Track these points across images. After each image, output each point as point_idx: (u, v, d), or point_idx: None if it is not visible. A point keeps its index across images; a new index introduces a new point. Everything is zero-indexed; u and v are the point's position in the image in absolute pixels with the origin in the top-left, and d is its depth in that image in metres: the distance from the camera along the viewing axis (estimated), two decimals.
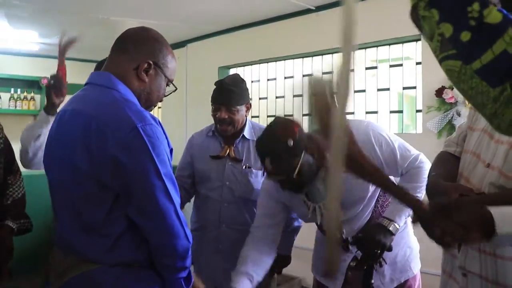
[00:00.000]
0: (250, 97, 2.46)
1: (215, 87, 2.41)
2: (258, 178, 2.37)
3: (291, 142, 1.73)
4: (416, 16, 0.82)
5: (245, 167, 2.38)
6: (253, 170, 2.38)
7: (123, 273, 1.41)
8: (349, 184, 1.78)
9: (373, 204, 1.95)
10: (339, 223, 0.96)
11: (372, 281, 1.87)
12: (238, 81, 2.39)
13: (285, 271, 2.62)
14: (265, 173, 1.87)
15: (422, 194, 1.89)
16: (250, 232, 2.07)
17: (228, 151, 2.40)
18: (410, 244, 2.05)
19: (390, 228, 1.82)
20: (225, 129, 2.35)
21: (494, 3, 0.75)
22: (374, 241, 1.78)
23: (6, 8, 4.21)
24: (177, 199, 1.42)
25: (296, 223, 2.44)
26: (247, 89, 2.43)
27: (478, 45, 0.74)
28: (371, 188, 1.90)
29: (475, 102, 0.79)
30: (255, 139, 2.29)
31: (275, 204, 2.05)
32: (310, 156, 1.79)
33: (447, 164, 1.52)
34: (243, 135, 2.41)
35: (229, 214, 2.40)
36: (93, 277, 1.40)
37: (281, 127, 1.80)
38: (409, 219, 2.07)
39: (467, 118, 1.59)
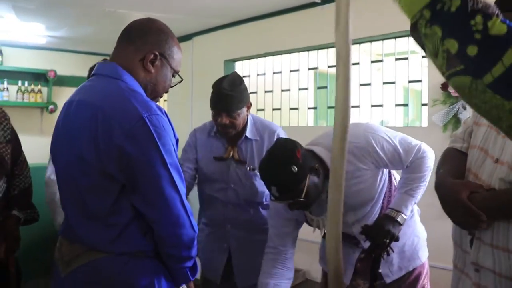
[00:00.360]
0: (249, 96, 2.38)
1: (212, 91, 2.29)
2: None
3: (295, 169, 1.71)
4: (417, 34, 0.79)
5: (250, 169, 2.34)
6: (257, 173, 2.29)
7: (129, 262, 1.43)
8: (357, 187, 1.84)
9: (381, 201, 1.97)
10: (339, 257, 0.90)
11: (380, 270, 1.91)
12: (237, 83, 2.28)
13: None
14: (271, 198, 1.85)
15: (426, 183, 1.93)
16: (265, 253, 2.06)
17: (231, 152, 2.36)
18: (418, 233, 2.07)
19: (398, 219, 1.85)
20: (227, 132, 2.30)
21: (497, 14, 0.73)
22: (383, 231, 1.81)
23: (14, 1, 4.23)
24: (182, 189, 1.44)
25: None
26: (246, 89, 2.34)
27: (487, 58, 0.71)
28: (379, 188, 1.92)
29: (490, 116, 0.76)
30: (258, 138, 2.35)
31: (287, 222, 2.04)
32: (315, 176, 1.79)
33: (454, 161, 1.51)
34: (245, 135, 2.37)
35: (235, 215, 2.38)
36: (99, 266, 1.42)
37: (283, 154, 1.77)
38: (416, 207, 2.09)
39: (471, 113, 1.58)
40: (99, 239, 1.43)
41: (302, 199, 1.75)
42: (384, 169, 1.93)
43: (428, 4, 0.75)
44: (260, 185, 2.34)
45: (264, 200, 2.40)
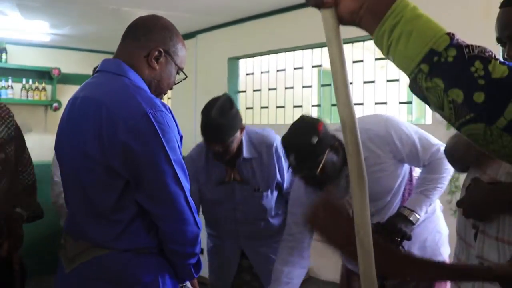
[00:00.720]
0: (241, 119, 2.18)
1: (201, 120, 2.11)
2: (269, 200, 2.30)
3: (315, 140, 1.76)
4: (417, 89, 0.76)
5: (255, 190, 2.26)
6: (263, 193, 2.27)
7: (133, 259, 1.43)
8: (376, 176, 1.84)
9: (401, 193, 1.96)
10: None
11: None
12: (226, 110, 2.09)
13: None
14: (290, 169, 1.87)
15: (443, 186, 1.92)
16: (282, 240, 2.08)
17: (232, 174, 2.26)
18: (440, 229, 2.05)
19: (411, 218, 1.85)
20: (221, 159, 2.20)
21: (494, 56, 0.72)
22: (395, 229, 1.81)
23: None
24: (187, 186, 1.44)
25: None
26: (238, 112, 2.16)
27: (496, 102, 0.69)
28: (399, 178, 1.92)
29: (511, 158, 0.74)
30: (255, 155, 2.23)
31: (304, 209, 2.04)
32: (334, 155, 1.82)
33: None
34: (243, 157, 2.23)
35: (247, 230, 2.35)
36: (103, 262, 1.43)
37: (306, 125, 1.83)
38: (438, 203, 2.09)
39: None
40: (103, 236, 1.43)
41: (318, 174, 1.78)
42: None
43: (423, 58, 0.73)
44: (268, 202, 2.29)
45: (272, 214, 2.35)
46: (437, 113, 0.77)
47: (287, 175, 2.30)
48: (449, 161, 1.56)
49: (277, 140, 2.28)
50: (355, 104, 3.83)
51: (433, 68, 0.72)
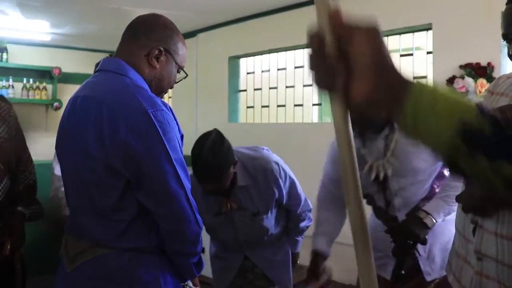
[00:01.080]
0: (234, 154, 2.11)
1: (192, 160, 2.03)
2: (269, 218, 2.27)
3: None
4: (458, 170, 0.68)
5: (254, 215, 2.22)
6: (263, 216, 2.24)
7: (134, 258, 1.43)
8: (407, 150, 1.89)
9: (429, 183, 1.96)
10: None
11: (403, 271, 1.86)
12: (217, 149, 2.02)
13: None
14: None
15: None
16: (321, 199, 2.16)
17: (229, 204, 2.21)
18: None
19: (426, 221, 1.83)
20: (216, 196, 2.17)
21: None
22: (408, 231, 1.80)
23: None
24: (187, 185, 1.44)
25: (303, 224, 2.42)
26: (230, 148, 2.09)
27: None
28: (428, 163, 1.93)
29: None
30: (251, 182, 2.17)
31: (337, 167, 2.06)
32: None
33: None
34: (238, 185, 2.17)
35: (251, 246, 2.35)
36: (105, 261, 1.43)
37: None
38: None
39: (485, 101, 1.57)
40: (104, 235, 1.43)
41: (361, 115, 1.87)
42: None
43: (457, 134, 0.64)
44: (268, 223, 2.28)
45: (273, 229, 2.34)
46: (487, 186, 0.69)
47: (285, 190, 2.26)
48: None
49: (272, 162, 2.22)
50: None
51: (471, 146, 0.64)
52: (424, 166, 1.93)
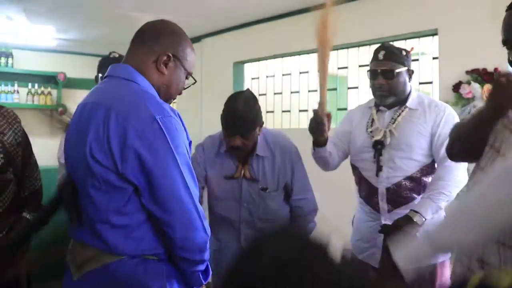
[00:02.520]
0: (262, 115, 2.26)
1: (225, 111, 2.17)
2: (276, 199, 2.30)
3: (404, 52, 2.23)
4: None
5: (262, 189, 2.26)
6: (271, 193, 2.27)
7: (141, 265, 1.42)
8: (406, 127, 2.18)
9: (417, 167, 2.17)
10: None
11: None
12: (251, 104, 2.17)
13: None
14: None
15: (450, 194, 2.08)
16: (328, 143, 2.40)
17: (243, 171, 2.26)
18: None
19: (415, 219, 2.01)
20: (238, 154, 2.23)
21: None
22: (399, 231, 1.96)
23: (25, 3, 4.25)
24: (195, 192, 1.43)
25: (309, 226, 2.41)
26: (260, 108, 2.23)
27: None
28: (423, 146, 2.17)
29: None
30: (268, 154, 2.26)
31: (345, 130, 2.43)
32: (407, 77, 2.25)
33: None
34: (256, 153, 2.26)
35: (249, 232, 2.32)
36: (111, 269, 1.42)
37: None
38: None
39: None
40: (111, 242, 1.42)
41: (394, 78, 2.17)
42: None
43: None
44: (273, 204, 2.28)
45: (274, 217, 2.34)
46: None
47: (297, 174, 2.31)
48: (456, 146, 1.63)
49: (292, 143, 2.36)
50: None
51: None
52: (418, 146, 2.16)
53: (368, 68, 2.29)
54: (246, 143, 2.16)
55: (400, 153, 2.17)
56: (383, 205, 2.20)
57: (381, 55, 2.20)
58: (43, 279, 3.67)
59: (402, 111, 2.22)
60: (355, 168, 2.38)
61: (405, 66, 2.21)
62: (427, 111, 2.19)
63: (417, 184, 2.17)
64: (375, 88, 2.24)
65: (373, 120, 2.28)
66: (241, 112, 2.11)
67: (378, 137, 2.22)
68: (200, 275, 1.50)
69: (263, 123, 2.24)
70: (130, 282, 1.41)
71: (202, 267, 1.49)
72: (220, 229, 2.39)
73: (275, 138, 2.32)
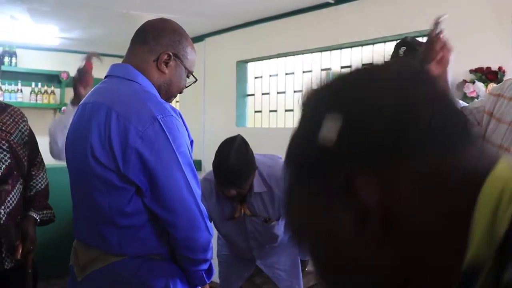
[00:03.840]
0: (255, 161, 2.13)
1: (217, 164, 2.05)
2: (280, 225, 2.27)
3: (424, 48, 2.13)
4: None
5: (265, 221, 2.23)
6: (274, 222, 2.23)
7: (144, 265, 1.42)
8: None
9: None
10: None
11: None
12: (243, 154, 2.05)
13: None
14: None
15: None
16: None
17: (242, 210, 2.21)
18: None
19: None
20: (233, 202, 2.17)
21: None
22: None
23: (29, 3, 4.26)
24: (197, 191, 1.42)
25: None
26: (252, 154, 2.11)
27: None
28: None
29: None
30: (266, 189, 2.18)
31: None
32: None
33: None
34: (253, 192, 2.19)
35: (261, 252, 2.36)
36: (115, 269, 1.41)
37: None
38: None
39: (485, 100, 1.53)
40: (114, 242, 1.41)
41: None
42: None
43: None
44: (279, 229, 2.27)
45: (283, 235, 2.34)
46: None
47: None
48: None
49: None
50: None
51: None
52: None
53: None
54: (241, 192, 2.08)
55: None
56: None
57: (401, 51, 2.11)
58: (48, 276, 3.68)
59: None
60: None
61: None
62: None
63: None
64: None
65: None
66: (234, 166, 2.00)
67: None
68: (204, 274, 1.50)
69: (256, 167, 2.13)
70: (134, 282, 1.41)
71: (205, 266, 1.49)
72: (234, 255, 2.44)
73: (270, 170, 2.20)
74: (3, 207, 2.03)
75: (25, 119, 2.22)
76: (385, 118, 0.45)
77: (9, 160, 2.06)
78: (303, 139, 0.53)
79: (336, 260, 0.49)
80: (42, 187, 2.25)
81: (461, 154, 0.46)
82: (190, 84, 1.63)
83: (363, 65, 0.55)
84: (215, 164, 2.05)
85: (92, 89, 1.55)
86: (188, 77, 1.59)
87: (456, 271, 0.42)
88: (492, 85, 3.17)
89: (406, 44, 2.12)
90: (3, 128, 2.10)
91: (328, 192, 0.47)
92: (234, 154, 2.01)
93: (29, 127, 2.23)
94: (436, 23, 1.47)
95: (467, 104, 2.09)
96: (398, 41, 3.93)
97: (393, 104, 0.46)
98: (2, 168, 2.04)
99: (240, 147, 2.06)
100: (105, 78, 1.56)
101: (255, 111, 5.34)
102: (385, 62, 0.56)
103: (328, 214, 0.47)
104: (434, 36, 1.47)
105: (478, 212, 0.42)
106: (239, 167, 2.01)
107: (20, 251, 2.07)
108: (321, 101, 0.53)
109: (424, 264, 0.45)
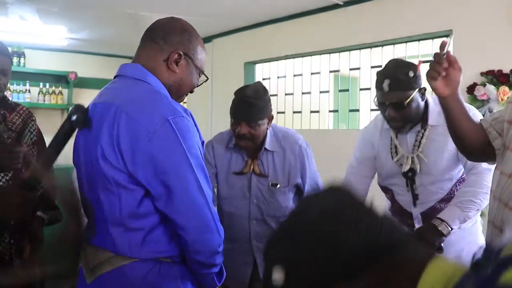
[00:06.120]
0: (272, 108, 2.24)
1: (235, 98, 2.17)
2: (286, 195, 2.26)
3: (411, 74, 1.96)
4: None
5: (271, 185, 2.23)
6: (281, 188, 2.24)
7: (155, 268, 1.40)
8: (432, 149, 2.03)
9: (450, 186, 2.03)
10: None
11: None
12: (261, 93, 2.15)
13: None
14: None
15: (480, 202, 1.91)
16: (346, 174, 2.34)
17: (252, 166, 2.23)
18: (478, 242, 2.04)
19: (441, 229, 1.85)
20: (245, 145, 2.17)
21: None
22: (423, 239, 1.82)
23: (38, 4, 4.27)
24: (209, 193, 1.40)
25: None
26: (270, 100, 2.21)
27: None
28: (453, 164, 2.02)
29: None
30: (278, 149, 2.23)
31: (368, 157, 2.28)
32: (420, 98, 2.01)
33: (475, 127, 1.58)
34: (265, 147, 2.23)
35: (259, 230, 2.29)
36: (125, 272, 1.39)
37: (406, 62, 2.08)
38: (479, 216, 2.09)
39: (504, 110, 1.54)
40: (124, 245, 1.40)
41: (405, 105, 1.94)
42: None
43: None
44: (284, 200, 2.25)
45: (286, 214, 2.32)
46: None
47: (308, 172, 2.28)
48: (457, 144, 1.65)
49: (302, 139, 2.31)
50: (374, 110, 3.82)
51: None
52: (448, 166, 2.01)
53: (375, 97, 2.08)
54: (253, 132, 2.12)
55: (430, 177, 2.04)
56: (417, 224, 2.09)
57: (386, 86, 1.96)
58: (55, 276, 3.68)
59: (425, 130, 2.06)
60: (387, 190, 2.26)
61: (414, 88, 1.98)
62: None
63: (452, 196, 2.04)
64: (387, 120, 2.07)
65: (396, 147, 2.13)
66: (249, 98, 2.09)
67: (407, 166, 2.07)
68: (215, 277, 1.49)
69: (272, 116, 2.22)
70: (144, 285, 1.39)
71: (216, 269, 1.48)
72: (229, 228, 2.35)
73: (285, 134, 2.29)
74: None
75: (34, 118, 2.22)
76: (317, 257, 0.57)
77: (19, 164, 2.06)
78: (265, 286, 0.66)
79: None
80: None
81: (392, 261, 0.56)
82: (202, 83, 1.61)
83: (292, 211, 0.70)
84: (234, 98, 2.17)
85: (102, 89, 1.54)
86: (199, 76, 1.58)
87: None
88: (503, 88, 3.14)
89: (390, 77, 1.97)
90: (13, 128, 2.10)
91: None
92: (252, 90, 2.13)
93: (37, 125, 2.24)
94: (443, 46, 1.46)
95: (480, 114, 2.05)
96: (408, 43, 3.91)
97: (321, 244, 0.59)
98: (13, 170, 2.04)
99: (258, 86, 2.19)
100: (114, 78, 1.55)
101: None
102: (309, 198, 0.71)
103: None
104: (441, 54, 1.45)
105: None
106: (254, 101, 2.10)
107: (28, 251, 2.07)
108: (270, 254, 0.66)
109: None
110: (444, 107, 1.54)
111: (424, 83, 1.78)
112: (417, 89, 1.98)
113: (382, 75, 2.00)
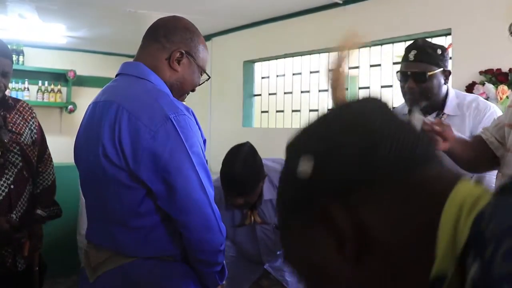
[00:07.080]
0: (263, 169, 2.06)
1: (224, 172, 1.99)
2: None
3: (439, 51, 1.97)
4: None
5: (276, 227, 2.12)
6: None
7: (157, 267, 1.40)
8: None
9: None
10: None
11: None
12: (251, 163, 1.99)
13: None
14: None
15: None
16: None
17: (252, 217, 2.16)
18: None
19: None
20: (241, 210, 2.12)
21: None
22: None
23: (37, 2, 4.27)
24: (211, 192, 1.40)
25: None
26: (261, 161, 2.04)
27: None
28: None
29: None
30: (276, 196, 2.16)
31: None
32: (442, 79, 1.99)
33: (474, 144, 1.62)
34: (263, 199, 2.12)
35: (271, 258, 2.34)
36: (127, 271, 1.40)
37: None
38: None
39: (504, 114, 1.55)
40: (125, 243, 1.40)
41: (427, 78, 1.92)
42: None
43: None
44: None
45: None
46: None
47: None
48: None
49: None
50: None
51: None
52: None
53: (398, 72, 2.07)
54: (249, 200, 2.02)
55: None
56: None
57: (412, 55, 1.95)
58: (54, 275, 3.68)
59: (440, 118, 1.99)
60: None
61: (440, 67, 1.95)
62: (466, 114, 2.00)
63: None
64: (404, 92, 2.03)
65: None
66: (240, 175, 1.93)
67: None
68: (217, 276, 1.49)
69: (265, 175, 2.06)
70: (146, 283, 1.39)
71: (218, 268, 1.48)
72: (243, 258, 2.40)
73: (278, 175, 2.19)
74: (14, 212, 2.04)
75: (34, 114, 2.22)
76: (348, 154, 0.53)
77: (20, 164, 2.07)
78: (286, 178, 0.64)
79: (322, 285, 0.56)
80: (49, 183, 2.25)
81: (423, 175, 0.52)
82: (203, 82, 1.62)
83: (328, 109, 0.66)
84: (222, 172, 2.00)
85: (104, 87, 1.54)
86: (201, 75, 1.58)
87: (425, 285, 0.47)
88: (502, 87, 3.15)
89: (418, 48, 1.98)
90: (13, 129, 2.10)
91: (309, 223, 0.55)
92: (241, 163, 1.95)
93: (38, 122, 2.24)
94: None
95: (500, 111, 2.05)
96: (406, 42, 3.92)
97: (354, 140, 0.54)
98: (15, 172, 2.04)
99: (247, 155, 2.00)
100: (116, 76, 1.55)
101: (262, 111, 5.32)
102: (348, 102, 0.66)
103: (312, 243, 0.55)
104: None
105: (441, 228, 0.46)
106: (245, 176, 1.94)
107: (28, 248, 2.07)
108: (297, 145, 0.62)
109: (397, 281, 0.50)
110: (448, 154, 1.59)
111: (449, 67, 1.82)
112: (441, 69, 1.96)
113: (410, 46, 2.00)
